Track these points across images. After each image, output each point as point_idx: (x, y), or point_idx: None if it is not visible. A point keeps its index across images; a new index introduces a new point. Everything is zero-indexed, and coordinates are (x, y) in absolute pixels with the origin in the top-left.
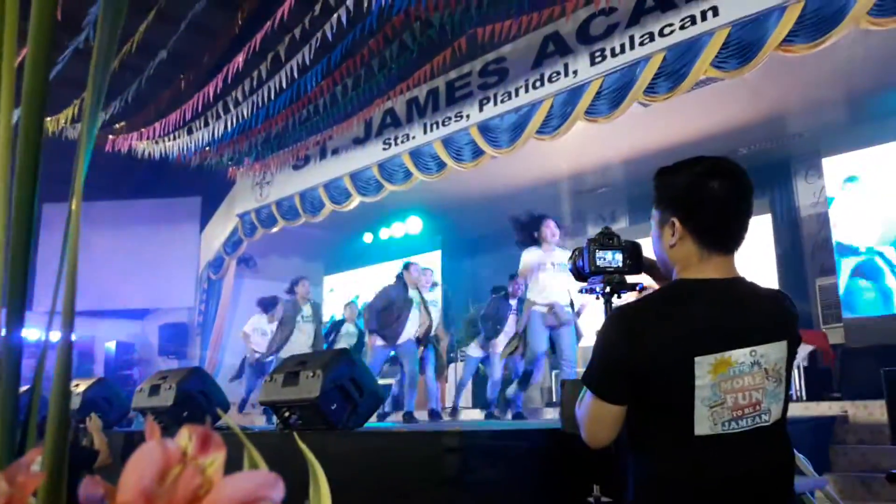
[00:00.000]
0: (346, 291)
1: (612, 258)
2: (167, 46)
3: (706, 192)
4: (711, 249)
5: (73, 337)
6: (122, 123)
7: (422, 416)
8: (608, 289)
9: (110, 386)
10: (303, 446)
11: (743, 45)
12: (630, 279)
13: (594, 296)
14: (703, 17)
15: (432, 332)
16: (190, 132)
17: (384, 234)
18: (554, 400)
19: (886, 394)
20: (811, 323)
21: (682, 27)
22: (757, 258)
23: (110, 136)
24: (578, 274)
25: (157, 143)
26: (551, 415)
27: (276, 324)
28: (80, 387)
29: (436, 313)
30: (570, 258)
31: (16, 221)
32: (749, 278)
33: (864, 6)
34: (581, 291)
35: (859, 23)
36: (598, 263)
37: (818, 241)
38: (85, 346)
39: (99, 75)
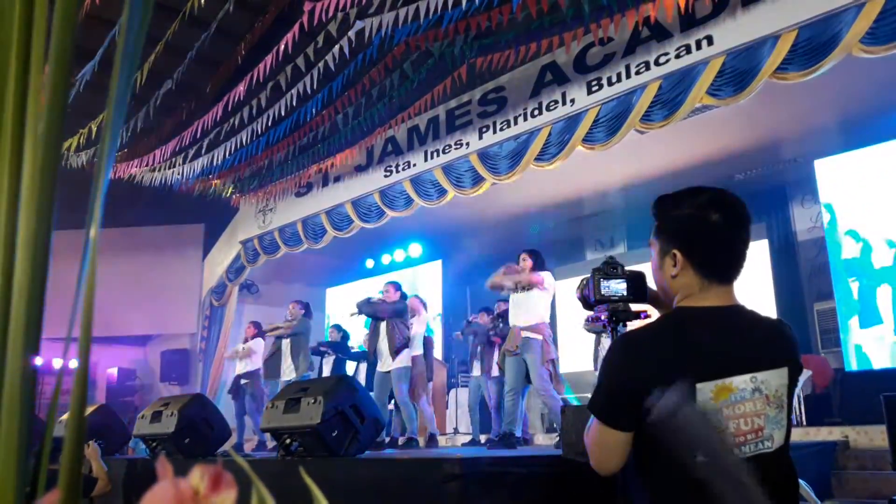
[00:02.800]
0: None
1: (615, 287)
2: (172, 76)
3: (708, 224)
4: (712, 279)
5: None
6: (125, 150)
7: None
8: (613, 317)
9: (111, 412)
10: (308, 480)
11: (737, 73)
12: (635, 307)
13: (600, 324)
14: (698, 47)
15: (407, 346)
16: (192, 160)
17: (385, 259)
18: (554, 426)
19: (887, 420)
20: (809, 348)
21: (677, 56)
22: (754, 284)
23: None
24: (585, 302)
25: (158, 170)
26: (541, 440)
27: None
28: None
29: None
30: (578, 287)
31: (34, 249)
32: (747, 304)
33: (856, 35)
34: (588, 320)
35: (851, 50)
36: (602, 292)
37: (815, 265)
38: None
39: (118, 105)
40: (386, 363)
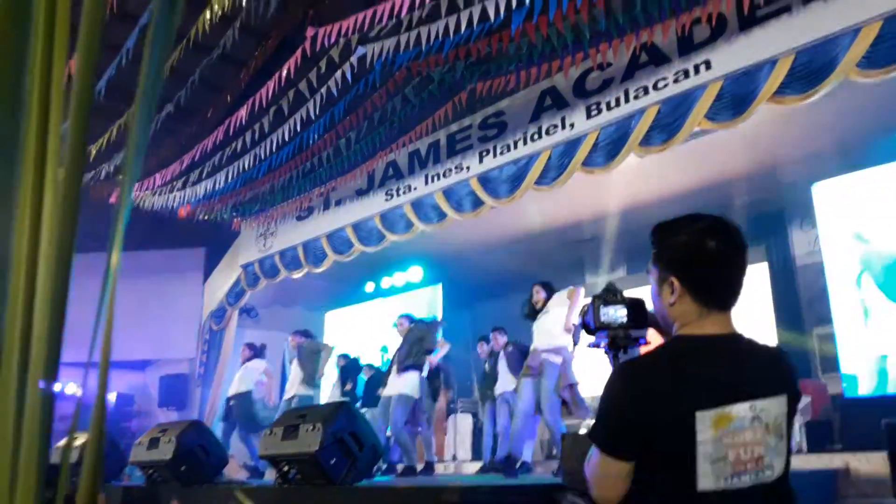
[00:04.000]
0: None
1: (615, 314)
2: (174, 100)
3: (704, 252)
4: (710, 307)
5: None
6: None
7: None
8: (614, 344)
9: (109, 439)
10: None
11: (736, 97)
12: (634, 334)
13: (602, 350)
14: (696, 71)
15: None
16: (193, 184)
17: (386, 283)
18: (553, 453)
19: (888, 446)
20: (809, 373)
21: (675, 81)
22: (754, 308)
23: (115, 188)
24: (587, 329)
25: (160, 194)
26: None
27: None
28: (78, 440)
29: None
30: (580, 313)
31: (57, 272)
32: (746, 328)
33: (853, 59)
34: (590, 346)
35: (848, 75)
36: (602, 319)
37: (814, 290)
38: (85, 397)
39: (140, 131)
40: (391, 387)
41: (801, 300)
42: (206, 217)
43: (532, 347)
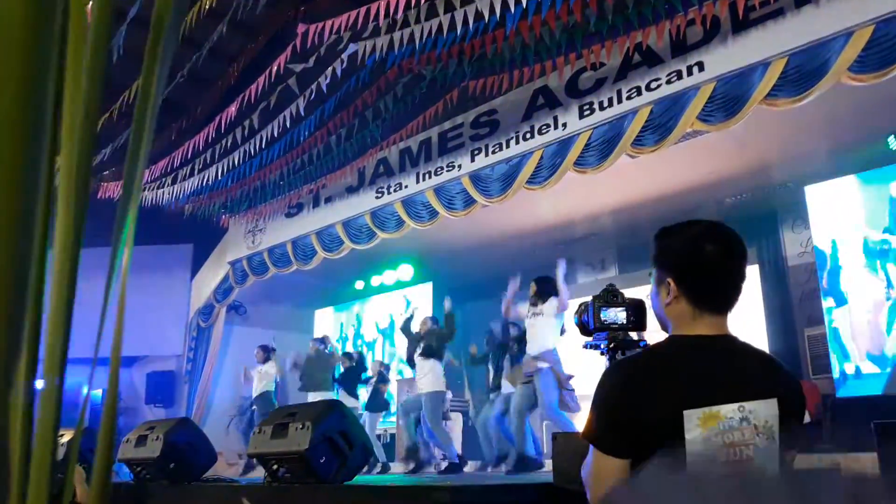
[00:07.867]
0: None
1: (615, 315)
2: (163, 95)
3: (700, 255)
4: (704, 309)
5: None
6: (113, 169)
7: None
8: (612, 345)
9: (95, 436)
10: None
11: (728, 99)
12: (634, 336)
13: (598, 351)
14: (689, 72)
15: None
16: (182, 180)
17: (375, 281)
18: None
19: (879, 447)
20: (800, 374)
21: (668, 82)
22: (745, 308)
23: (102, 183)
24: (584, 329)
25: (148, 190)
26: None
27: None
28: (64, 437)
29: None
30: (576, 312)
31: (65, 266)
32: (737, 329)
33: (845, 62)
34: (586, 346)
35: (840, 78)
36: (602, 320)
37: (805, 291)
38: (71, 394)
39: (144, 123)
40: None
41: (792, 301)
42: (193, 213)
43: (526, 355)
